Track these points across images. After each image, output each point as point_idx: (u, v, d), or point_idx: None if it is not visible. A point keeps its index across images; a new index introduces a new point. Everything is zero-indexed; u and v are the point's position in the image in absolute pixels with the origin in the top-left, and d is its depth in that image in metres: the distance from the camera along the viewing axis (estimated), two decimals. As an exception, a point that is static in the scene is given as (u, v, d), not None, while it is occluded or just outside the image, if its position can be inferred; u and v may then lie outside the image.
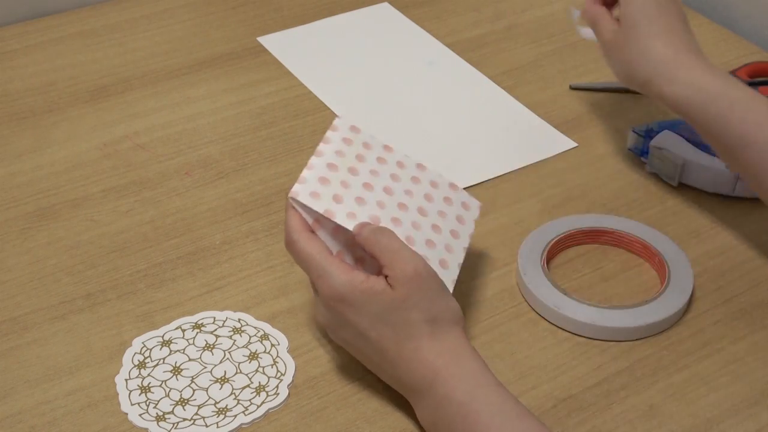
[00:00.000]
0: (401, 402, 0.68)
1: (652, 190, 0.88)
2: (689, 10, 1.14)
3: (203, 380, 0.69)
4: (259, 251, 0.81)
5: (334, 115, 0.97)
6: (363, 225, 0.67)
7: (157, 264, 0.80)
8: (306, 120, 0.97)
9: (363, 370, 0.71)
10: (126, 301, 0.77)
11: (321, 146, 0.72)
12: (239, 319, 0.74)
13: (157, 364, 0.70)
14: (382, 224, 0.68)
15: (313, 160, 0.70)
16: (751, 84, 0.98)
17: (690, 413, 0.68)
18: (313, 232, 0.68)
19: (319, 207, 0.67)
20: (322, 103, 0.99)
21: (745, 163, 0.74)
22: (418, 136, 0.95)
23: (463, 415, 0.60)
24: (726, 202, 0.86)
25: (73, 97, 1.01)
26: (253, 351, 0.71)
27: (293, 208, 0.68)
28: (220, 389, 0.68)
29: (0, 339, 0.74)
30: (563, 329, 0.74)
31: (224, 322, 0.73)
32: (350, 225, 0.67)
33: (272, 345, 0.71)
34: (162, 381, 0.69)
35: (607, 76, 1.03)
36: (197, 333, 0.72)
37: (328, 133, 0.73)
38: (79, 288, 0.78)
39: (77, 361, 0.72)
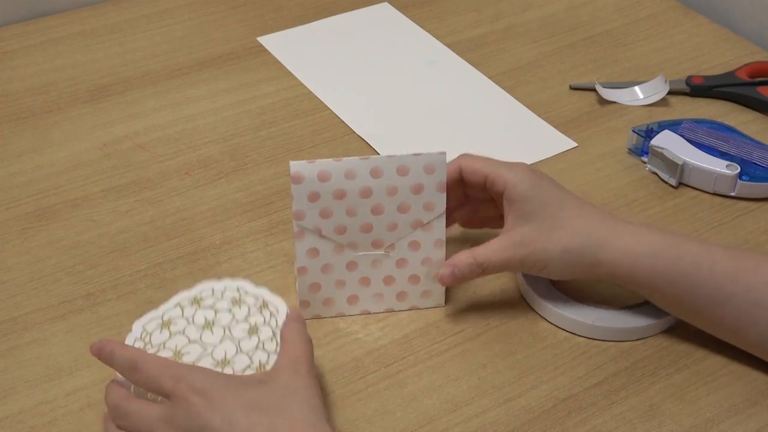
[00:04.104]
0: (401, 402, 0.68)
1: (652, 190, 0.88)
2: (689, 10, 1.14)
3: (205, 364, 0.68)
4: (259, 251, 0.81)
5: (334, 115, 0.97)
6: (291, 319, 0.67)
7: (157, 264, 0.80)
8: (306, 120, 0.97)
9: (363, 370, 0.71)
10: (126, 301, 0.77)
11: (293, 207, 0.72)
12: (238, 288, 0.72)
13: (158, 350, 0.69)
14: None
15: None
16: (751, 84, 0.98)
17: (690, 413, 0.68)
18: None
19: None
20: (322, 103, 0.99)
21: (720, 319, 0.68)
22: (418, 136, 0.95)
23: None
24: (726, 202, 0.86)
25: (72, 97, 1.01)
26: (253, 324, 0.69)
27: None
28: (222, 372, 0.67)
29: (0, 339, 0.74)
30: (563, 329, 0.74)
31: (223, 293, 0.72)
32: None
33: (271, 314, 0.70)
34: None
35: (607, 76, 1.03)
36: (196, 309, 0.70)
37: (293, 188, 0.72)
38: (79, 288, 0.78)
39: (77, 361, 0.72)
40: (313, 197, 0.71)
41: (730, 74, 1.00)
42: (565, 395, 0.69)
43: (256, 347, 0.68)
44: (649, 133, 0.90)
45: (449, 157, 0.72)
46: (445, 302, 0.76)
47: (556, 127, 0.96)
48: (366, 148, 0.93)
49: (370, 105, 1.00)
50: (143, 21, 1.13)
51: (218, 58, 1.07)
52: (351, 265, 0.73)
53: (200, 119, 0.97)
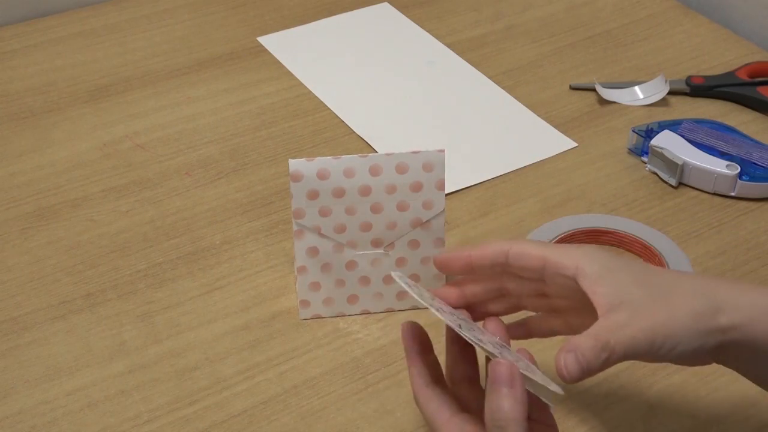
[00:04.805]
0: (401, 402, 0.68)
1: (652, 190, 0.88)
2: (689, 10, 1.14)
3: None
4: (259, 251, 0.81)
5: (334, 115, 0.97)
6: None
7: (157, 264, 0.80)
8: (306, 120, 0.97)
9: (363, 370, 0.71)
10: (126, 301, 0.77)
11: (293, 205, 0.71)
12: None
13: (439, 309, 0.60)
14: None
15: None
16: (751, 84, 0.98)
17: (690, 413, 0.68)
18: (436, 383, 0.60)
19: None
20: (322, 103, 0.99)
21: None
22: (418, 136, 0.95)
23: None
24: (726, 202, 0.86)
25: (73, 97, 1.01)
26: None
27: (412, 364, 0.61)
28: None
29: (0, 339, 0.74)
30: (563, 329, 0.74)
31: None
32: None
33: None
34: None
35: (607, 77, 1.03)
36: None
37: (291, 187, 0.71)
38: (79, 288, 0.78)
39: (77, 361, 0.72)
40: (313, 195, 0.71)
41: (730, 74, 1.00)
42: (565, 395, 0.69)
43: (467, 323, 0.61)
44: (649, 133, 0.90)
45: (448, 155, 0.72)
46: (445, 302, 0.76)
47: (556, 127, 0.96)
48: (366, 148, 0.93)
49: (370, 105, 1.00)
50: (143, 21, 1.13)
51: (218, 58, 1.07)
52: (350, 265, 0.73)
53: (200, 119, 0.97)
